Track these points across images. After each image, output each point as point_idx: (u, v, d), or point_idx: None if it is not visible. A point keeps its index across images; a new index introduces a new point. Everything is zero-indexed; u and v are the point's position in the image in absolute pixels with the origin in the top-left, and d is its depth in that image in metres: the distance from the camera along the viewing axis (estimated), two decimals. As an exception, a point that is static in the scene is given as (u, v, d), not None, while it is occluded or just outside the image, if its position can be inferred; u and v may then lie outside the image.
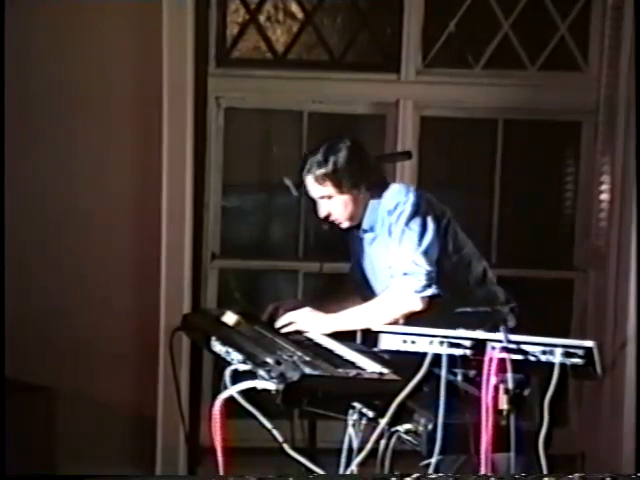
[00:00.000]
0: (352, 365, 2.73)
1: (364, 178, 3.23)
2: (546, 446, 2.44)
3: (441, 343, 2.53)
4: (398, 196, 3.20)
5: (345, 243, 3.53)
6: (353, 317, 3.20)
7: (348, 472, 2.54)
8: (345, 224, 3.30)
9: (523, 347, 2.51)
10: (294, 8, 4.47)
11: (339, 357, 2.85)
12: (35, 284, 4.17)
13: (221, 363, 2.86)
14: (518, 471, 2.43)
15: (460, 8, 4.42)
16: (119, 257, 4.24)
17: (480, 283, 3.27)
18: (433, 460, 2.39)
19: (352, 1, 4.48)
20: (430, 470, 2.40)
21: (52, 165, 4.19)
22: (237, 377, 2.61)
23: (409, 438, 2.44)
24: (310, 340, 3.13)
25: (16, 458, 3.47)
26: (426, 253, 3.10)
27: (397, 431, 2.45)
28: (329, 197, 3.24)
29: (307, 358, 2.70)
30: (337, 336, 3.15)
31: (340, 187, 3.21)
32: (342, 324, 3.20)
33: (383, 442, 2.47)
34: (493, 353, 2.46)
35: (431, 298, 3.08)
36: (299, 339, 3.12)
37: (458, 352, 2.54)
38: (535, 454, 2.45)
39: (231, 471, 2.54)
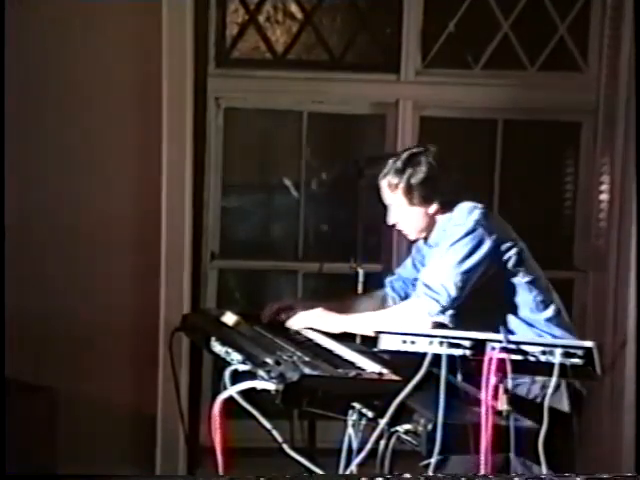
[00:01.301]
0: (352, 365, 2.72)
1: (438, 195, 3.14)
2: (546, 446, 2.44)
3: (441, 343, 2.53)
4: (465, 213, 3.11)
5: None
6: (365, 321, 3.15)
7: (347, 472, 2.54)
8: (412, 236, 3.25)
9: (523, 347, 2.51)
10: (293, 8, 4.47)
11: (339, 357, 2.84)
12: (35, 284, 4.17)
13: (221, 363, 2.86)
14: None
15: (460, 8, 4.43)
16: (119, 257, 4.24)
17: (549, 321, 3.14)
18: (433, 460, 2.39)
19: (351, 1, 4.48)
20: (430, 470, 2.40)
21: (52, 165, 4.19)
22: (237, 377, 2.61)
23: (409, 438, 2.44)
24: (310, 340, 3.13)
25: (16, 458, 3.47)
26: (465, 273, 3.01)
27: (397, 431, 2.45)
28: (398, 206, 3.18)
29: (307, 358, 2.70)
30: (337, 336, 3.15)
31: (411, 200, 3.14)
32: (353, 327, 3.18)
33: (383, 442, 2.47)
34: (493, 353, 2.46)
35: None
36: (299, 339, 3.12)
37: (458, 352, 2.54)
38: (535, 454, 2.45)
39: (231, 471, 2.54)
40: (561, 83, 4.50)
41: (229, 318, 3.20)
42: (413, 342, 2.59)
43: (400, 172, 3.14)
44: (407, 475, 2.23)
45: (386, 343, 2.65)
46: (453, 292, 3.00)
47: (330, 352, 2.93)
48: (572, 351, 2.49)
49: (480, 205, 3.15)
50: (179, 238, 4.21)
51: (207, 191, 4.34)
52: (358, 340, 3.60)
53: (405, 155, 3.18)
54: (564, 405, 2.96)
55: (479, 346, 2.51)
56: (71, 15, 4.12)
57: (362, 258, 3.85)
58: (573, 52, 4.49)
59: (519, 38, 4.47)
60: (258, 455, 3.21)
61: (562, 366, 2.48)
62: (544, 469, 2.43)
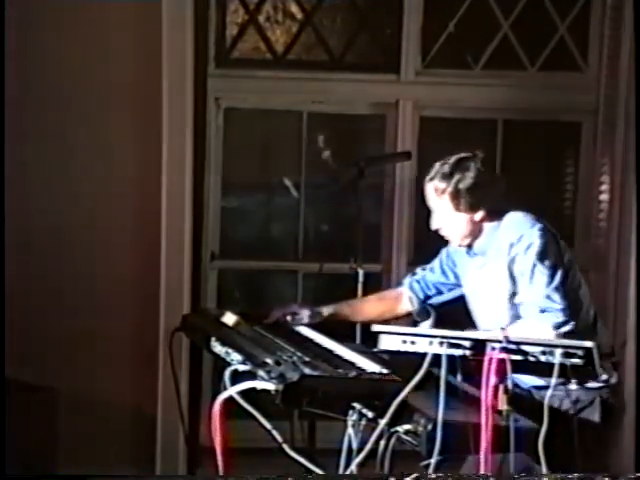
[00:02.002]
0: (352, 365, 2.72)
1: (485, 202, 3.09)
2: (546, 446, 2.44)
3: (441, 343, 2.53)
4: (522, 227, 3.06)
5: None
6: None
7: (348, 472, 2.54)
8: (454, 242, 3.19)
9: (523, 347, 2.51)
10: (293, 8, 4.47)
11: (339, 357, 2.84)
12: (35, 283, 4.16)
13: (221, 363, 2.86)
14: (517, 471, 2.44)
15: (460, 8, 4.42)
16: (119, 257, 4.24)
17: (589, 330, 3.09)
18: (433, 460, 2.39)
19: (351, 1, 4.48)
20: (430, 470, 2.40)
21: (52, 165, 4.19)
22: (237, 377, 2.61)
23: (409, 438, 2.44)
24: (310, 340, 3.13)
25: (16, 458, 3.47)
26: (558, 289, 2.97)
27: (396, 431, 2.45)
28: (443, 212, 3.12)
29: (307, 358, 2.70)
30: (337, 336, 3.15)
31: (457, 206, 3.08)
32: None
33: (383, 442, 2.47)
34: (493, 353, 2.46)
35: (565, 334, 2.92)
36: (299, 339, 3.12)
37: (458, 352, 2.54)
38: (535, 454, 2.45)
39: (231, 471, 2.54)
40: (561, 83, 4.50)
41: (229, 318, 3.20)
42: (413, 342, 2.59)
43: (448, 177, 3.08)
44: (413, 475, 2.23)
45: (386, 343, 2.66)
46: (562, 302, 2.95)
47: (330, 352, 2.93)
48: (572, 351, 2.49)
49: (533, 217, 3.11)
50: (179, 238, 4.20)
51: (207, 191, 4.34)
52: (358, 340, 3.61)
53: (453, 160, 3.11)
54: (596, 418, 2.95)
55: (479, 346, 2.52)
56: (71, 15, 4.12)
57: (362, 258, 3.85)
58: (573, 52, 4.49)
59: (519, 38, 4.47)
60: (258, 455, 3.21)
61: (562, 366, 2.48)
62: (544, 469, 2.43)
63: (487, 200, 3.09)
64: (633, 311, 4.21)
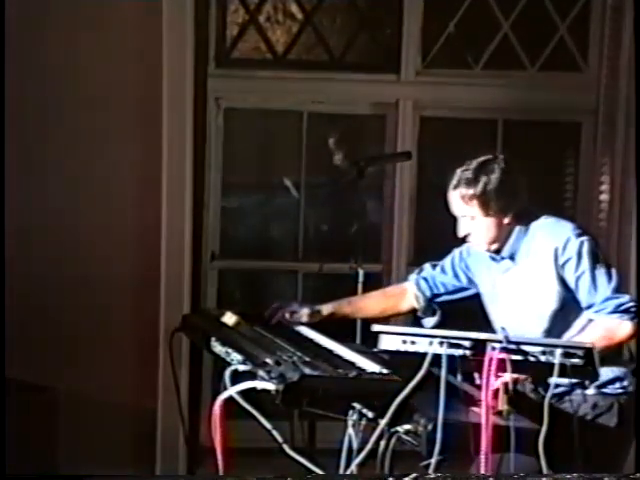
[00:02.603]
0: (352, 365, 2.72)
1: (513, 204, 3.04)
2: (546, 446, 2.44)
3: (441, 344, 2.53)
4: (563, 231, 3.00)
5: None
6: None
7: (348, 473, 2.54)
8: (482, 247, 3.11)
9: (523, 348, 2.51)
10: (294, 9, 4.47)
11: (339, 357, 2.84)
12: (35, 284, 4.16)
13: (221, 363, 2.86)
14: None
15: (460, 8, 4.43)
16: (119, 257, 4.24)
17: None
18: (433, 461, 2.39)
19: (351, 1, 4.49)
20: (430, 470, 2.40)
21: (51, 165, 4.19)
22: (237, 377, 2.61)
23: (409, 439, 2.44)
24: (310, 340, 3.13)
25: (16, 458, 3.47)
26: (617, 284, 2.95)
27: (397, 432, 2.45)
28: (472, 218, 3.06)
29: (307, 358, 2.70)
30: (337, 336, 3.15)
31: (487, 210, 3.00)
32: None
33: (383, 442, 2.47)
34: (493, 354, 2.46)
35: None
36: (299, 339, 3.12)
37: (458, 352, 2.54)
38: (535, 454, 2.45)
39: (231, 471, 2.54)
40: (561, 83, 4.50)
41: (229, 318, 3.20)
42: (413, 342, 2.59)
43: (474, 182, 3.01)
44: (412, 475, 2.23)
45: (386, 343, 2.66)
46: (627, 296, 2.94)
47: (330, 352, 2.93)
48: (572, 351, 2.49)
49: (567, 221, 3.09)
50: (179, 238, 4.21)
51: (207, 191, 4.34)
52: (358, 340, 3.61)
53: (475, 164, 3.05)
54: (612, 424, 2.94)
55: (479, 346, 2.52)
56: (71, 15, 4.12)
57: (362, 258, 3.85)
58: (573, 52, 4.49)
59: (519, 38, 4.47)
60: (258, 455, 3.21)
61: (562, 366, 2.49)
62: (544, 469, 2.43)
63: (515, 202, 3.05)
64: (633, 311, 4.20)
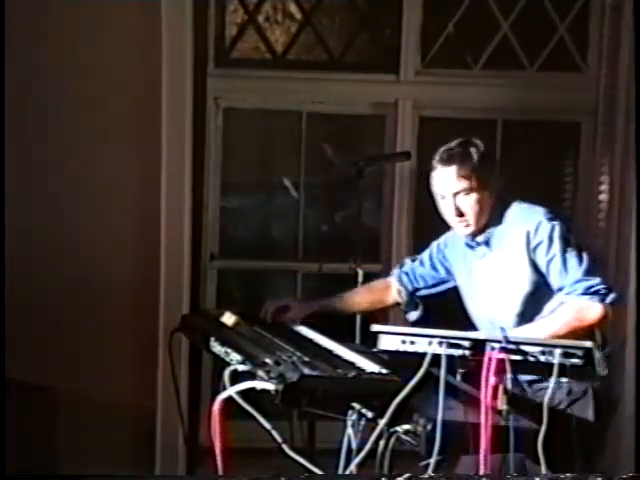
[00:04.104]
0: (351, 365, 2.72)
1: (497, 181, 3.11)
2: (546, 446, 2.44)
3: (440, 343, 2.53)
4: (534, 215, 3.06)
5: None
6: (529, 332, 2.95)
7: (347, 472, 2.54)
8: (471, 228, 3.13)
9: (522, 347, 2.52)
10: (293, 9, 4.47)
11: (338, 357, 2.84)
12: (35, 284, 4.17)
13: (220, 364, 2.86)
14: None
15: (459, 8, 4.43)
16: (118, 257, 4.24)
17: None
18: (432, 461, 2.39)
19: (351, 1, 4.49)
20: (429, 470, 2.40)
21: (51, 165, 4.19)
22: (236, 377, 2.61)
23: (408, 438, 2.44)
24: (309, 340, 3.13)
25: (16, 458, 3.47)
26: (589, 266, 2.97)
27: (396, 431, 2.45)
28: (468, 192, 3.07)
29: (306, 358, 2.70)
30: (336, 336, 3.15)
31: (482, 182, 3.06)
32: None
33: (382, 442, 2.47)
34: (492, 353, 2.46)
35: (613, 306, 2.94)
36: (298, 339, 3.12)
37: (457, 352, 2.54)
38: (534, 454, 2.45)
39: (230, 471, 2.54)
40: (561, 83, 4.50)
41: (228, 318, 3.21)
42: (413, 342, 2.59)
43: (467, 154, 3.06)
44: (408, 475, 2.23)
45: (385, 343, 2.66)
46: (598, 278, 2.95)
47: (330, 352, 2.93)
48: (571, 351, 2.49)
49: (538, 206, 3.11)
50: (179, 238, 4.21)
51: (207, 191, 4.34)
52: (358, 340, 3.61)
53: (457, 142, 3.11)
54: (589, 413, 2.95)
55: (478, 346, 2.52)
56: (71, 15, 4.12)
57: (362, 258, 3.85)
58: (573, 52, 4.49)
59: (518, 38, 4.47)
60: (258, 455, 3.20)
61: (562, 366, 2.49)
62: (543, 469, 2.43)
63: (498, 178, 3.12)
64: (633, 311, 4.20)
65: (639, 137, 4.04)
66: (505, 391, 2.45)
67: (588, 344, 2.52)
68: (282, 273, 4.61)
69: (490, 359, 2.45)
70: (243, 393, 2.53)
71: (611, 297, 2.93)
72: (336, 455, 2.59)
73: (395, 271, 3.52)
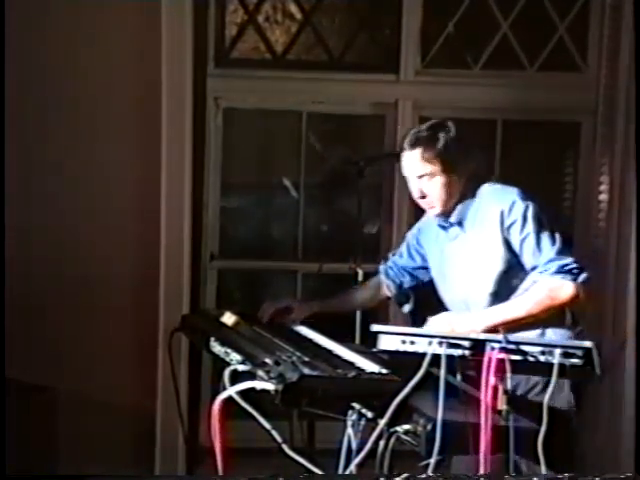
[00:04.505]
0: (351, 365, 2.72)
1: (467, 164, 3.13)
2: (545, 446, 2.44)
3: (440, 344, 2.53)
4: (508, 195, 3.08)
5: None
6: (501, 311, 3.04)
7: (347, 472, 2.54)
8: (437, 210, 3.17)
9: (522, 347, 2.52)
10: (293, 9, 4.47)
11: (338, 357, 2.84)
12: (35, 284, 4.17)
13: (220, 363, 2.86)
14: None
15: (459, 8, 4.43)
16: (118, 257, 4.24)
17: None
18: (432, 460, 2.39)
19: (351, 1, 4.49)
20: (429, 470, 2.40)
21: (51, 165, 4.19)
22: (236, 377, 2.61)
23: (408, 438, 2.44)
24: (309, 340, 3.13)
25: (16, 458, 3.47)
26: (563, 245, 3.02)
27: (396, 431, 2.45)
28: (431, 176, 3.11)
29: (306, 358, 2.70)
30: (336, 336, 3.15)
31: (446, 167, 3.09)
32: (490, 319, 3.02)
33: (382, 442, 2.47)
34: (492, 354, 2.46)
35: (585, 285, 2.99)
36: (298, 339, 3.12)
37: (457, 352, 2.54)
38: (534, 454, 2.45)
39: (230, 471, 2.54)
40: (561, 83, 4.50)
41: (228, 318, 3.21)
42: (412, 342, 2.59)
43: (434, 139, 3.09)
44: (406, 475, 2.23)
45: (385, 343, 2.66)
46: (571, 257, 2.99)
47: (329, 352, 2.93)
48: (571, 351, 2.49)
49: (515, 189, 3.12)
50: (179, 238, 4.21)
51: (207, 191, 4.34)
52: (358, 340, 3.61)
53: (428, 125, 3.14)
54: (563, 402, 2.96)
55: (478, 346, 2.52)
56: (71, 15, 4.12)
57: (362, 258, 3.85)
58: (572, 52, 4.49)
59: (518, 38, 4.47)
60: (258, 455, 3.21)
61: (561, 366, 2.49)
62: (543, 469, 2.43)
63: (468, 161, 3.14)
64: (633, 311, 4.21)
65: (639, 137, 4.04)
66: (505, 391, 2.45)
67: (588, 344, 2.52)
68: (282, 273, 4.61)
69: (490, 359, 2.45)
70: (243, 393, 2.53)
71: (583, 276, 2.98)
72: (336, 455, 2.59)
73: (381, 267, 3.54)
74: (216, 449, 2.55)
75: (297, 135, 4.50)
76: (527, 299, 3.01)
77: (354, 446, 2.54)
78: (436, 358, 2.51)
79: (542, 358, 2.51)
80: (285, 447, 2.62)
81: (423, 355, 2.52)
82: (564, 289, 2.97)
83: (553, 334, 3.05)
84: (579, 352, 2.49)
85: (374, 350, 2.71)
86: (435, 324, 3.03)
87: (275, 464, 2.52)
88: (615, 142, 4.40)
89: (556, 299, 2.98)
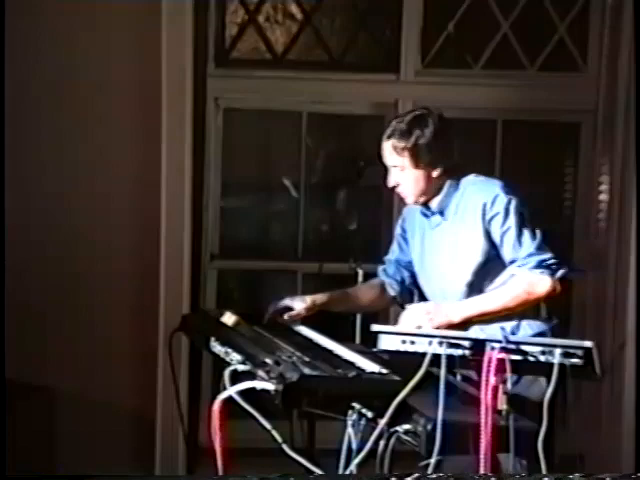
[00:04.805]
0: (351, 365, 2.72)
1: (444, 158, 3.14)
2: (545, 446, 2.44)
3: (440, 343, 2.53)
4: (492, 187, 3.11)
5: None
6: (477, 303, 3.09)
7: (347, 472, 2.54)
8: (410, 199, 3.21)
9: (522, 347, 2.52)
10: (293, 9, 4.47)
11: (338, 357, 2.84)
12: (35, 284, 4.17)
13: (220, 363, 2.86)
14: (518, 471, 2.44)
15: (459, 8, 4.43)
16: (118, 258, 4.24)
17: None
18: (432, 460, 2.39)
19: (351, 2, 4.49)
20: (429, 470, 2.40)
21: (51, 165, 4.19)
22: (236, 377, 2.61)
23: (408, 438, 2.44)
24: (309, 340, 3.13)
25: (16, 458, 3.47)
26: (542, 240, 3.06)
27: (396, 431, 2.45)
28: (402, 168, 3.15)
29: (306, 359, 2.70)
30: (336, 336, 3.15)
31: (416, 162, 3.12)
32: (467, 310, 3.08)
33: (382, 442, 2.47)
34: (492, 353, 2.46)
35: (563, 281, 3.04)
36: (298, 339, 3.12)
37: (457, 352, 2.54)
38: (534, 454, 2.45)
39: (230, 471, 2.54)
40: (560, 83, 4.50)
41: (228, 318, 3.21)
42: (413, 342, 2.60)
43: (407, 134, 3.12)
44: (414, 475, 2.23)
45: (386, 343, 2.66)
46: (550, 252, 3.04)
47: (330, 352, 2.93)
48: (571, 351, 2.49)
49: (498, 182, 3.14)
50: (179, 238, 4.21)
51: (207, 191, 4.34)
52: (358, 340, 3.61)
53: (410, 117, 3.16)
54: (535, 392, 2.93)
55: (478, 346, 2.52)
56: (71, 15, 4.12)
57: (362, 258, 3.85)
58: (573, 52, 4.49)
59: (519, 38, 4.47)
60: (258, 455, 3.21)
61: (561, 366, 2.49)
62: (543, 469, 2.43)
63: (446, 157, 3.15)
64: (633, 311, 4.21)
65: (639, 137, 4.05)
66: (505, 391, 2.45)
67: (588, 344, 2.52)
68: (282, 273, 4.61)
69: (490, 359, 2.45)
70: (243, 393, 2.53)
71: (561, 272, 3.02)
72: (336, 455, 2.59)
73: (379, 268, 3.52)
74: (216, 449, 2.55)
75: (297, 135, 4.49)
76: (504, 292, 3.06)
77: (354, 446, 2.54)
78: (436, 358, 2.51)
79: (542, 358, 2.51)
80: (285, 447, 2.62)
81: (423, 355, 2.52)
82: (542, 284, 3.02)
83: (528, 327, 3.09)
84: (579, 352, 2.49)
85: (374, 350, 2.71)
86: (412, 313, 3.08)
87: (276, 464, 2.52)
88: (615, 142, 4.40)
89: (533, 293, 3.04)
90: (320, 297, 3.38)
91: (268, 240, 4.69)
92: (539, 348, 2.51)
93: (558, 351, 2.49)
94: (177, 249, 4.20)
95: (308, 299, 3.34)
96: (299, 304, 3.33)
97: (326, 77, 4.44)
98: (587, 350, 2.49)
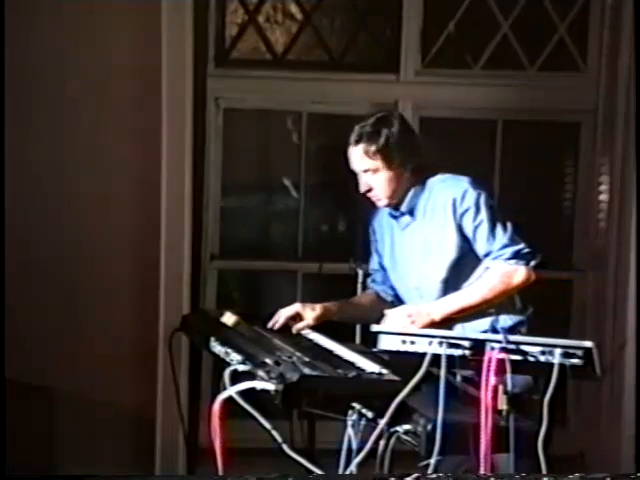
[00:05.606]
0: (351, 365, 2.73)
1: (412, 157, 3.18)
2: (545, 446, 2.44)
3: (440, 344, 2.53)
4: (460, 183, 3.14)
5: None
6: (456, 299, 3.13)
7: (347, 472, 2.54)
8: (384, 202, 3.24)
9: (522, 347, 2.52)
10: (293, 9, 4.47)
11: (338, 358, 2.85)
12: (35, 284, 4.17)
13: (220, 364, 2.86)
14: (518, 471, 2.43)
15: (459, 8, 4.43)
16: (119, 258, 4.24)
17: None
18: (432, 460, 2.39)
19: (351, 1, 4.48)
20: (429, 470, 2.40)
21: (51, 165, 4.19)
22: (236, 377, 2.61)
23: (408, 438, 2.44)
24: (309, 340, 3.13)
25: (16, 458, 3.47)
26: (513, 231, 3.11)
27: (396, 431, 2.45)
28: (375, 171, 3.17)
29: (306, 359, 2.70)
30: (336, 336, 3.15)
31: (389, 162, 3.15)
32: (447, 307, 3.11)
33: (382, 442, 2.47)
34: (492, 353, 2.46)
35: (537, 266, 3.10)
36: (298, 340, 3.12)
37: (457, 352, 2.54)
38: (534, 454, 2.45)
39: (230, 471, 2.54)
40: (560, 83, 4.50)
41: (228, 318, 3.21)
42: (413, 342, 2.59)
43: (375, 135, 3.15)
44: (414, 475, 2.23)
45: (386, 343, 2.66)
46: (523, 242, 3.09)
47: (330, 352, 2.93)
48: (572, 351, 2.49)
49: (466, 178, 3.17)
50: (179, 238, 4.20)
51: (207, 191, 4.34)
52: (358, 340, 3.61)
53: (372, 120, 3.19)
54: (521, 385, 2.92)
55: (478, 346, 2.52)
56: (71, 15, 4.12)
57: (362, 258, 3.85)
58: (572, 52, 4.49)
59: (519, 38, 4.47)
60: (258, 455, 3.21)
61: (561, 366, 2.49)
62: (543, 469, 2.43)
63: (414, 156, 3.18)
64: (633, 311, 4.21)
65: (639, 137, 4.05)
66: (505, 391, 2.45)
67: (588, 344, 2.52)
68: (282, 273, 4.61)
69: (490, 359, 2.45)
70: (243, 393, 2.53)
71: (534, 261, 3.09)
72: (336, 455, 2.59)
73: (368, 280, 3.54)
74: (216, 449, 2.55)
75: (297, 135, 4.49)
76: (482, 286, 3.11)
77: (354, 446, 2.54)
78: (436, 358, 2.51)
79: (542, 358, 2.51)
80: (285, 447, 2.62)
81: (423, 355, 2.52)
82: (517, 274, 3.08)
83: (509, 319, 3.14)
84: (579, 352, 2.49)
85: (374, 350, 2.71)
86: (393, 317, 3.09)
87: (276, 464, 2.52)
88: (615, 142, 4.40)
89: (510, 284, 3.09)
90: (329, 306, 3.38)
91: (268, 240, 4.69)
92: (539, 348, 2.51)
93: (558, 351, 2.48)
94: (177, 249, 4.20)
95: (318, 308, 3.32)
96: (309, 313, 3.30)
97: (326, 77, 4.44)
98: (587, 350, 2.49)
